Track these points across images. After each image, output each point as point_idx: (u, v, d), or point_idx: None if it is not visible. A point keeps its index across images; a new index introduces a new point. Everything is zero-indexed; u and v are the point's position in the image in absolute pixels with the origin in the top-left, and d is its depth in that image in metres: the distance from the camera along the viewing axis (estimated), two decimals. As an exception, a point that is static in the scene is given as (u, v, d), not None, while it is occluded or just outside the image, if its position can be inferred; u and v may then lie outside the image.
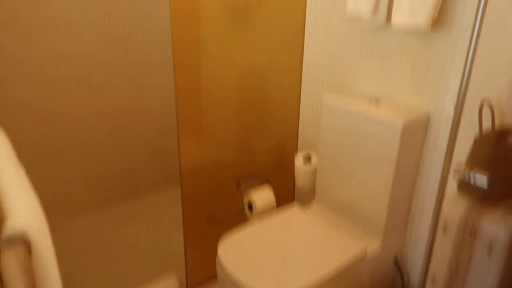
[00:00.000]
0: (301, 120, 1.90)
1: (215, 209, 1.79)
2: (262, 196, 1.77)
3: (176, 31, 1.60)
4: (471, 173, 0.97)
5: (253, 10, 1.69)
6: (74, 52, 1.88)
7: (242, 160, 1.83)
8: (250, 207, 1.78)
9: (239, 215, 1.82)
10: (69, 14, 1.82)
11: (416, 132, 1.35)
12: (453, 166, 1.19)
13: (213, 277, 1.68)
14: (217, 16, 1.68)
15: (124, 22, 1.97)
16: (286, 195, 2.02)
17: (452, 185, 1.19)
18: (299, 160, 1.75)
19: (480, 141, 1.03)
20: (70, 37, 1.85)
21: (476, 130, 1.09)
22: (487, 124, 1.06)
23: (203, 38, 1.67)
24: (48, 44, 1.81)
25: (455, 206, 1.03)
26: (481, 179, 0.95)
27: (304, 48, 1.79)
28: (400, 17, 1.29)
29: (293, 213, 1.57)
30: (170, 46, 2.05)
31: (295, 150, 1.96)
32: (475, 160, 1.01)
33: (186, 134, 1.60)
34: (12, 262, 0.58)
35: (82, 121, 1.99)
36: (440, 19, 1.24)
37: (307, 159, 1.74)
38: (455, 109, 1.17)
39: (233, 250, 1.34)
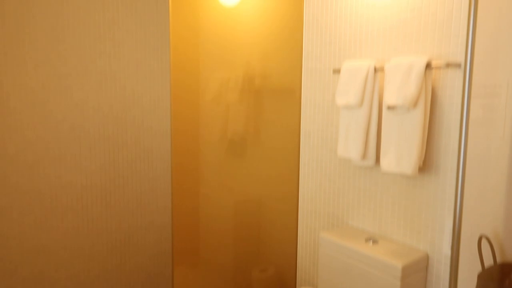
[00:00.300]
0: (299, 252, 1.88)
1: None
2: None
3: (175, 163, 1.70)
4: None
5: (250, 146, 1.82)
6: (75, 183, 1.93)
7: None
8: None
9: None
10: (76, 148, 1.92)
11: (416, 273, 1.35)
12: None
13: None
14: (216, 150, 1.80)
15: (126, 155, 2.07)
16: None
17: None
18: (296, 300, 1.68)
19: (484, 277, 1.05)
20: (74, 169, 1.92)
21: (475, 266, 1.11)
22: (488, 258, 1.09)
23: (202, 170, 1.76)
24: (52, 175, 1.86)
25: None
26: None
27: (300, 183, 1.89)
28: (387, 165, 1.41)
29: None
30: (169, 177, 2.13)
31: (294, 284, 1.89)
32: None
33: (181, 262, 1.56)
34: None
35: (76, 252, 1.93)
36: (426, 163, 1.37)
37: (305, 298, 1.68)
38: (452, 248, 1.20)
39: None
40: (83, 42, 1.88)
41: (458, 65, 1.26)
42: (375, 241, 1.47)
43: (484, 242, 1.12)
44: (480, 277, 1.07)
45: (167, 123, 2.13)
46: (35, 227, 1.83)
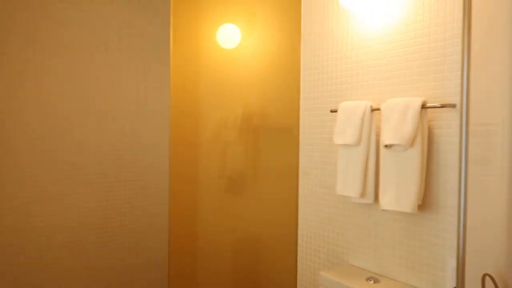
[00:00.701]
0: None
1: None
2: None
3: (173, 200, 1.68)
4: None
5: (248, 183, 1.83)
6: (72, 221, 1.90)
7: None
8: None
9: None
10: (74, 186, 1.91)
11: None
12: None
13: None
14: (214, 188, 1.80)
15: (124, 193, 2.06)
16: None
17: None
18: None
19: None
20: (71, 207, 1.90)
21: (481, 307, 1.09)
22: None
23: (200, 207, 1.75)
24: (48, 213, 1.84)
25: None
26: None
27: (299, 221, 1.88)
28: (386, 202, 1.42)
29: None
30: (166, 214, 2.11)
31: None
32: None
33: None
34: None
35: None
36: (425, 201, 1.38)
37: None
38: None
39: None
40: (85, 83, 1.92)
41: (453, 105, 1.30)
42: (376, 281, 1.45)
43: (488, 281, 1.11)
44: (485, 317, 1.05)
45: (165, 161, 2.14)
46: (30, 266, 1.77)
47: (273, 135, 2.06)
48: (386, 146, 1.44)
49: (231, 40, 2.47)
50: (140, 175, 2.10)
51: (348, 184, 1.57)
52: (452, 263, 1.28)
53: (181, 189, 1.83)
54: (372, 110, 1.53)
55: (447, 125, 1.34)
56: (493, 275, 1.11)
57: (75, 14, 1.88)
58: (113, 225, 2.03)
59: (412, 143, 1.36)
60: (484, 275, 1.11)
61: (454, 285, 1.21)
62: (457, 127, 1.29)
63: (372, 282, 1.44)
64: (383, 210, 1.52)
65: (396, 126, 1.40)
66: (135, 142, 2.09)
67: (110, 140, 2.01)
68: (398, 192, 1.39)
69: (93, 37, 1.94)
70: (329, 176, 1.75)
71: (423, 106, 1.35)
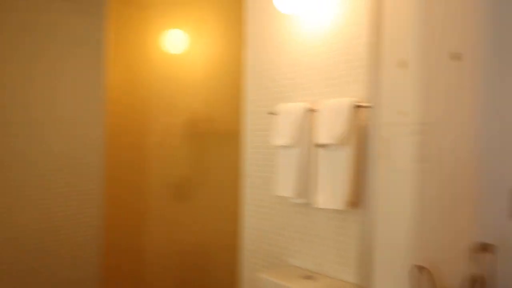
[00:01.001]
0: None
1: None
2: None
3: (113, 212, 1.62)
4: None
5: (193, 189, 1.80)
6: (4, 236, 1.79)
7: None
8: None
9: None
10: (6, 200, 1.80)
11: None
12: None
13: None
14: (160, 196, 1.75)
15: (59, 206, 1.98)
16: None
17: None
18: None
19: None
20: (2, 223, 1.79)
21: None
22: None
23: (144, 218, 1.70)
24: None
25: None
26: None
27: (242, 223, 1.87)
28: (322, 201, 1.47)
29: None
30: (101, 230, 2.02)
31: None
32: None
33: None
34: None
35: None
36: (359, 198, 1.42)
37: None
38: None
39: None
40: (20, 91, 1.84)
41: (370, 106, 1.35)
42: (312, 278, 1.46)
43: (426, 273, 1.14)
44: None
45: (100, 168, 2.04)
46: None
47: (218, 140, 2.06)
48: (320, 145, 1.47)
49: (177, 45, 2.45)
50: (76, 186, 2.02)
51: (285, 184, 1.59)
52: (380, 257, 1.32)
53: (123, 199, 1.77)
54: (309, 111, 1.56)
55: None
56: (428, 267, 1.15)
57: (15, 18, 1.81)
58: (48, 240, 1.94)
59: (344, 142, 1.40)
60: (415, 267, 1.14)
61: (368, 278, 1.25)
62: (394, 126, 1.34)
63: (308, 280, 1.45)
64: (319, 208, 1.54)
65: (330, 127, 1.44)
66: (70, 151, 2.01)
67: (46, 149, 1.92)
68: (332, 190, 1.42)
69: (30, 43, 1.87)
70: (271, 178, 1.76)
71: (355, 107, 1.40)
